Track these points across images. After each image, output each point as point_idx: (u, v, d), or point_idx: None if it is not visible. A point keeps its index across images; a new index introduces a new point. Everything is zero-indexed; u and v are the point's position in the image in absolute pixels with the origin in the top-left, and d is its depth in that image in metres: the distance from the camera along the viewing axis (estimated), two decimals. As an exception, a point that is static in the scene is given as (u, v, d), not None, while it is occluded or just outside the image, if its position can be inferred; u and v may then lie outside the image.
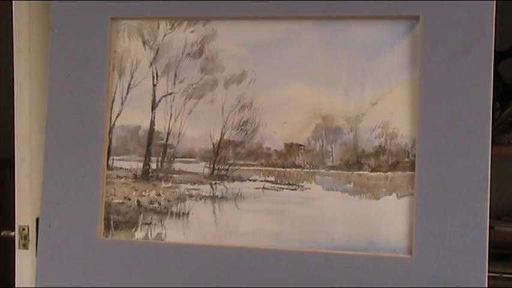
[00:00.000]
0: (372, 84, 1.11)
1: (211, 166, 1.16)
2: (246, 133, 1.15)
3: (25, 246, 1.36)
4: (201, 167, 1.16)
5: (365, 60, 1.11)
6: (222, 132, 1.16)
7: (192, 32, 1.17)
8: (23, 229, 1.36)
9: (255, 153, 1.15)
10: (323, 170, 1.12)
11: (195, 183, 1.16)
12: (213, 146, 1.16)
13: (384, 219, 1.09)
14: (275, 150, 1.14)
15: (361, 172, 1.11)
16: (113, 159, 1.19)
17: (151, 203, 1.18)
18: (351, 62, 1.12)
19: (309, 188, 1.12)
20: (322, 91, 1.13)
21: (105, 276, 1.16)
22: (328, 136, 1.12)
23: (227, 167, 1.16)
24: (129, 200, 1.18)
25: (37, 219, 1.29)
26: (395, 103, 1.10)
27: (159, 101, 1.18)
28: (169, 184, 1.17)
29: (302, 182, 1.13)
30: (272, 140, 1.14)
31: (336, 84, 1.12)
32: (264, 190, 1.14)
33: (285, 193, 1.13)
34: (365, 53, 1.11)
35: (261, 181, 1.14)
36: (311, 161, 1.13)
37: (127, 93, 1.19)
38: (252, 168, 1.15)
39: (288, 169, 1.14)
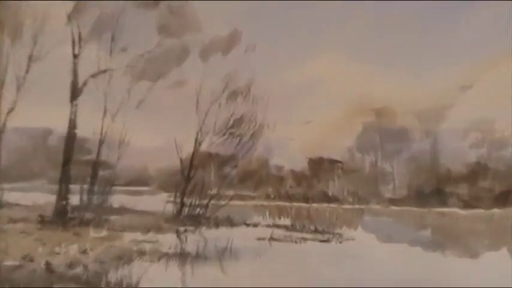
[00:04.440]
0: (459, 59, 0.63)
1: (179, 199, 0.67)
2: (240, 140, 0.67)
3: None
4: (159, 201, 0.69)
5: (448, 24, 0.63)
6: (196, 139, 0.68)
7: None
8: None
9: (255, 175, 0.67)
10: (377, 206, 0.67)
11: (148, 231, 0.68)
12: (181, 163, 0.69)
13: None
14: (292, 170, 0.68)
15: (445, 209, 0.65)
16: (2, 189, 0.69)
17: (70, 266, 0.68)
18: (421, 28, 0.63)
19: (353, 239, 0.66)
20: (373, 69, 0.65)
21: None
22: (385, 145, 0.66)
23: (206, 200, 0.67)
24: (32, 261, 0.69)
25: None
26: (500, 87, 0.63)
27: (84, 83, 0.69)
28: (103, 232, 0.69)
29: (340, 228, 0.66)
30: (286, 151, 0.69)
31: (397, 58, 0.64)
32: (272, 242, 0.66)
33: (309, 247, 0.68)
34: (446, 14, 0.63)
35: (267, 226, 0.67)
36: (356, 190, 0.65)
37: (27, 71, 0.69)
38: (250, 202, 0.68)
39: (314, 204, 0.67)
